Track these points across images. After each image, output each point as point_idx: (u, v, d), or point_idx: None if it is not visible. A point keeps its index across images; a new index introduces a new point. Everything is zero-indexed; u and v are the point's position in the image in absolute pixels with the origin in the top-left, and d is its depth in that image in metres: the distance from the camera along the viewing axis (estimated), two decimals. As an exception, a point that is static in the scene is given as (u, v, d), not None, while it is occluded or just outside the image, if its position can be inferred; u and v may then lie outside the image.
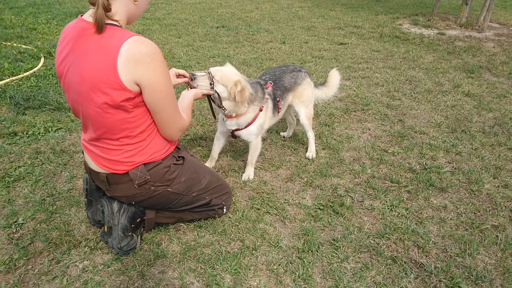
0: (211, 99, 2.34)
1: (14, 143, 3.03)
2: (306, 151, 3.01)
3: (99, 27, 1.53)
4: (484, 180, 2.73)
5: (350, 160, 2.98)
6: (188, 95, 2.10)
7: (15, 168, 2.71)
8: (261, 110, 2.52)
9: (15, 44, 5.44)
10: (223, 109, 2.35)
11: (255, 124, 2.52)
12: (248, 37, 6.40)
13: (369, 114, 3.76)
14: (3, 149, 2.91)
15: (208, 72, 2.23)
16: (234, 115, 2.42)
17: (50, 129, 3.24)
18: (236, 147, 3.15)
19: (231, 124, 2.51)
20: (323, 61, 5.31)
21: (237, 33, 6.68)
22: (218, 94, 2.26)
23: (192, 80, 2.21)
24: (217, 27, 7.03)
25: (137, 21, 7.13)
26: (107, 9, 1.55)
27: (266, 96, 2.57)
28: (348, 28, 7.28)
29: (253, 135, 2.56)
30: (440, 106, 3.98)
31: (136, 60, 1.54)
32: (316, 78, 4.63)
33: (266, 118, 2.59)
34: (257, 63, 5.05)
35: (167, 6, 8.81)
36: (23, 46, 5.39)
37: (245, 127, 2.51)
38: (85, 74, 1.57)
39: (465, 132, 3.44)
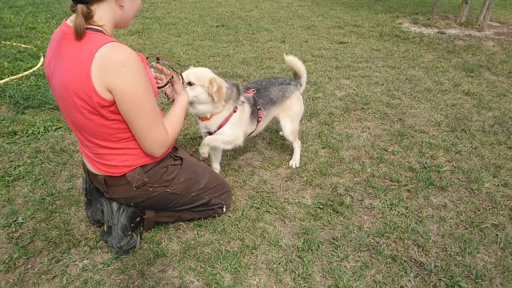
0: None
1: (13, 142, 3.02)
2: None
3: (78, 34, 1.49)
4: (484, 179, 2.73)
5: (350, 159, 2.98)
6: (182, 99, 1.99)
7: (15, 167, 2.71)
8: (234, 112, 2.37)
9: (14, 43, 5.44)
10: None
11: (227, 126, 2.36)
12: (248, 36, 6.40)
13: (369, 113, 3.76)
14: (3, 148, 2.91)
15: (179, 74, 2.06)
16: (209, 115, 2.30)
17: (49, 128, 3.24)
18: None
19: (203, 126, 2.38)
20: (323, 60, 5.31)
21: (236, 32, 6.67)
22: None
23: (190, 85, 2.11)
24: (217, 26, 7.02)
25: (137, 20, 7.12)
26: (87, 17, 1.52)
27: (242, 99, 2.42)
28: (348, 27, 7.27)
29: (227, 137, 2.39)
30: (440, 105, 3.97)
31: (108, 67, 1.50)
32: (316, 77, 4.63)
33: (241, 121, 2.41)
34: (256, 62, 5.04)
35: (167, 5, 8.80)
36: (23, 45, 5.39)
37: (217, 130, 2.36)
38: (64, 80, 1.55)
39: (465, 131, 3.44)
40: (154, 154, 1.80)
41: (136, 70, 1.55)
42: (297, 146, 2.86)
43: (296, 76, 2.86)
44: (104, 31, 1.59)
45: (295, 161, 2.87)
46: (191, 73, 2.18)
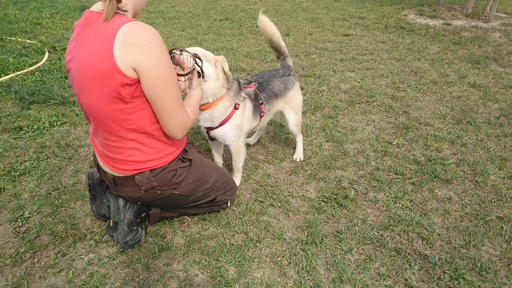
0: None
1: (19, 138, 3.05)
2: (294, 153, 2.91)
3: (107, 16, 1.51)
4: (490, 172, 2.71)
5: (354, 152, 2.97)
6: (197, 94, 1.97)
7: (21, 162, 2.73)
8: (236, 108, 2.28)
9: (19, 39, 5.46)
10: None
11: (229, 125, 2.27)
12: (252, 30, 6.37)
13: (374, 106, 3.74)
14: (9, 144, 2.94)
15: (182, 50, 1.91)
16: (211, 100, 2.16)
17: (55, 123, 3.26)
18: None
19: (205, 118, 2.25)
20: (327, 52, 5.28)
21: (240, 25, 6.64)
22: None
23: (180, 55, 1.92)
24: (221, 20, 7.00)
25: (141, 15, 7.10)
26: (117, 0, 1.55)
27: (244, 94, 2.33)
28: (353, 19, 7.21)
29: (229, 137, 2.33)
30: (446, 97, 3.94)
31: (132, 44, 1.50)
32: (320, 70, 4.61)
33: (244, 119, 2.33)
34: (261, 56, 5.03)
35: (170, -1, 8.78)
36: (28, 41, 5.40)
37: (219, 126, 2.27)
38: (84, 61, 1.56)
39: (471, 123, 3.42)
40: (175, 136, 1.80)
41: (162, 46, 1.57)
42: (299, 140, 2.85)
43: (279, 54, 2.70)
44: (125, 15, 1.62)
45: (298, 155, 2.87)
46: (196, 49, 2.07)
